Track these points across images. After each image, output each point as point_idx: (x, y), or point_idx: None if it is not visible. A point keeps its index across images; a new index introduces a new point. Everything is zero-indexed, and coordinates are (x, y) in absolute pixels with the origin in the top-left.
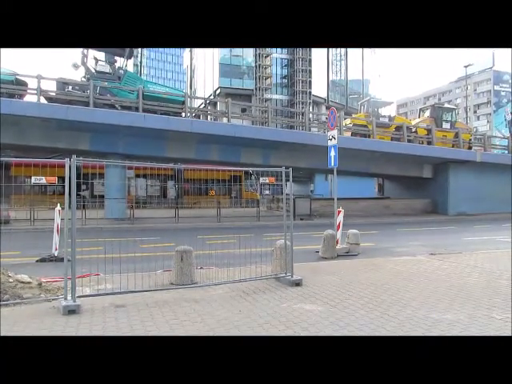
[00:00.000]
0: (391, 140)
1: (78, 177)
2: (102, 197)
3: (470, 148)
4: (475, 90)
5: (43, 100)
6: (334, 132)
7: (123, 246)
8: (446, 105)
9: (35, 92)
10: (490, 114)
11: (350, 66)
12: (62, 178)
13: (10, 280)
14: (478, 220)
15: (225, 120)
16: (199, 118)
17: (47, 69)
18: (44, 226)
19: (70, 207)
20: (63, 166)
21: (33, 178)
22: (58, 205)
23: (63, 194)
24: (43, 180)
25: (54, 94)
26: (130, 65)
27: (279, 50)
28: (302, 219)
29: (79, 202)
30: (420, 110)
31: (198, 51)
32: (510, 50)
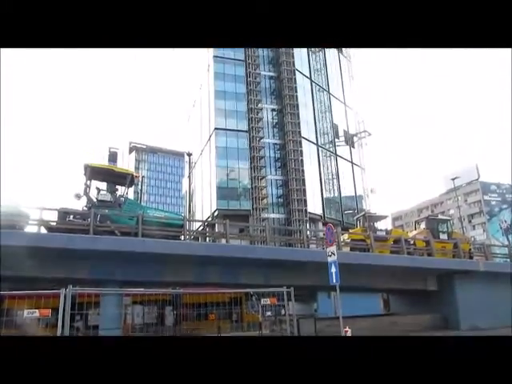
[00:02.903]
0: (391, 253)
1: (73, 307)
2: (97, 327)
3: (471, 257)
4: (466, 200)
5: (43, 230)
6: (333, 248)
7: None
8: (440, 216)
9: (36, 223)
10: (485, 223)
11: (342, 183)
12: (56, 309)
13: None
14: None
15: (223, 241)
16: (198, 240)
17: (50, 199)
18: None
19: None
20: (58, 297)
21: (25, 311)
22: None
23: (56, 325)
24: (36, 313)
25: (54, 223)
26: (130, 191)
27: (273, 172)
28: None
29: (72, 334)
30: (415, 222)
31: (196, 177)
32: (491, 162)
